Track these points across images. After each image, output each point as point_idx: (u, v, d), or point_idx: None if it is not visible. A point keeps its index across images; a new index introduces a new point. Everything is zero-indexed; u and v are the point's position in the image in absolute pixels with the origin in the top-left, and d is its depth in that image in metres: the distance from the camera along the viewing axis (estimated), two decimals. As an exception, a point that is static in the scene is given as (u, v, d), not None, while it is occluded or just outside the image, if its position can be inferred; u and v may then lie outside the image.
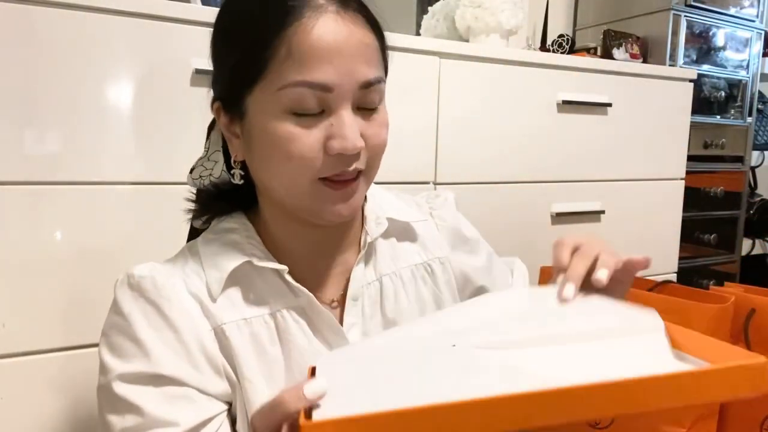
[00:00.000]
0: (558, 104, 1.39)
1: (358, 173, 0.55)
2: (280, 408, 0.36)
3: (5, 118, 0.86)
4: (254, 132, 0.54)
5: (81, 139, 0.91)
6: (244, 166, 0.59)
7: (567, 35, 1.80)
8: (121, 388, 0.51)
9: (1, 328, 0.87)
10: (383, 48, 0.57)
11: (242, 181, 0.60)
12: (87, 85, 0.90)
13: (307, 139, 0.51)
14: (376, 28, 0.55)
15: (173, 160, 0.97)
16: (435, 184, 1.26)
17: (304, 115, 0.52)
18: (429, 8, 1.66)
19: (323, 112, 0.52)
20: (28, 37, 0.86)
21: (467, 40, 1.49)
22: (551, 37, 1.84)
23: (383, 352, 0.45)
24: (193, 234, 0.68)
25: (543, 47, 1.85)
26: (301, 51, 0.50)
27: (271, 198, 0.58)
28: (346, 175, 0.53)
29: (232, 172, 0.61)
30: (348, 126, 0.51)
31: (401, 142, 1.21)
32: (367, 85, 0.53)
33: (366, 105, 0.54)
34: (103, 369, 0.53)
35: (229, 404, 0.56)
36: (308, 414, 0.35)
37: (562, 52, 1.77)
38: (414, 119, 1.22)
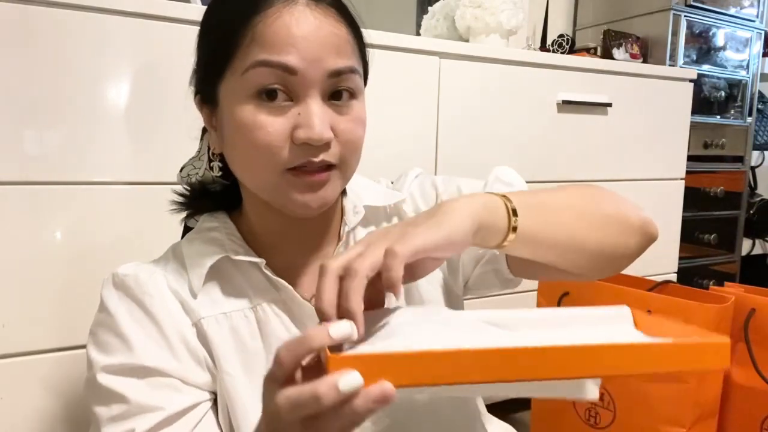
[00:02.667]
0: (558, 104, 1.39)
1: (330, 166, 0.54)
2: (306, 342, 0.37)
3: (4, 118, 0.86)
4: (225, 120, 0.55)
5: (80, 140, 0.91)
6: (222, 159, 0.60)
7: (567, 35, 1.80)
8: (105, 379, 0.53)
9: (0, 329, 0.87)
10: (359, 43, 0.57)
11: (221, 173, 0.61)
12: (86, 85, 0.90)
13: (273, 127, 0.51)
14: (351, 23, 0.55)
15: (173, 160, 0.96)
16: (435, 184, 1.26)
17: (272, 103, 0.51)
18: (429, 8, 1.66)
19: (291, 101, 0.52)
20: (28, 37, 0.86)
21: (467, 40, 1.49)
22: (551, 37, 1.84)
23: (385, 319, 0.46)
24: (187, 233, 0.69)
25: (543, 47, 1.85)
26: (266, 35, 0.50)
27: (249, 191, 0.59)
28: (313, 166, 0.53)
29: (211, 164, 0.62)
30: (315, 115, 0.51)
31: (401, 141, 1.21)
32: (336, 74, 0.52)
33: (338, 97, 0.54)
34: (89, 364, 0.55)
35: (215, 394, 0.57)
36: (333, 352, 0.37)
37: (562, 52, 1.77)
38: (414, 119, 1.22)
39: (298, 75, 0.51)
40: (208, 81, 0.56)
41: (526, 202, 0.50)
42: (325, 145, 0.52)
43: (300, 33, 0.50)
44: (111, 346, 0.54)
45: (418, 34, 1.71)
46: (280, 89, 0.51)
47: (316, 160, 0.52)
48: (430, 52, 1.22)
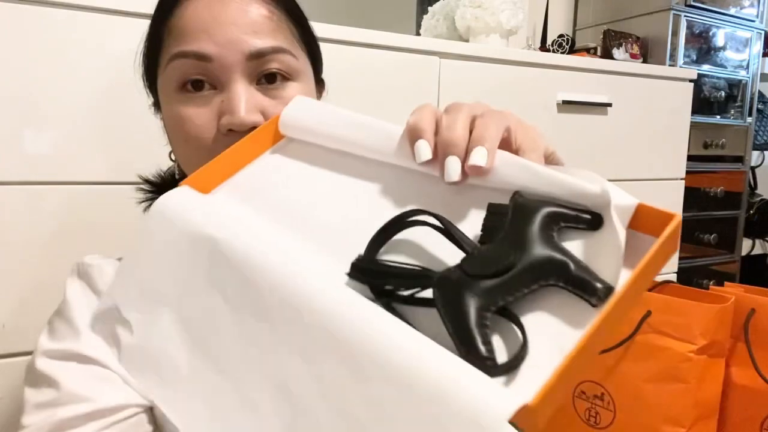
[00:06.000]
0: (558, 104, 1.39)
1: None
2: None
3: (3, 118, 0.85)
4: (165, 121, 0.55)
5: (80, 140, 0.90)
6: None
7: (567, 35, 1.80)
8: (43, 363, 0.50)
9: (0, 329, 0.87)
10: (296, 25, 0.55)
11: (179, 176, 0.60)
12: (86, 85, 0.90)
13: (199, 119, 0.50)
14: (279, 3, 0.54)
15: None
16: (435, 184, 1.26)
17: (197, 94, 0.50)
18: (429, 8, 1.66)
19: (216, 89, 0.51)
20: (28, 37, 0.86)
21: (467, 40, 1.49)
22: (551, 37, 1.84)
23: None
24: None
25: (543, 47, 1.85)
26: (179, 27, 0.50)
27: None
28: None
29: (170, 167, 0.61)
30: (237, 99, 0.49)
31: (401, 142, 1.21)
32: (258, 55, 0.50)
33: (271, 80, 0.51)
34: (35, 349, 0.52)
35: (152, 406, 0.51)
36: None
37: (562, 52, 1.77)
38: (414, 119, 1.22)
39: (214, 61, 0.49)
40: (149, 85, 0.56)
41: None
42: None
43: (212, 17, 0.49)
44: (60, 332, 0.51)
45: (418, 34, 1.71)
46: (202, 79, 0.50)
47: None
48: (430, 52, 1.22)
